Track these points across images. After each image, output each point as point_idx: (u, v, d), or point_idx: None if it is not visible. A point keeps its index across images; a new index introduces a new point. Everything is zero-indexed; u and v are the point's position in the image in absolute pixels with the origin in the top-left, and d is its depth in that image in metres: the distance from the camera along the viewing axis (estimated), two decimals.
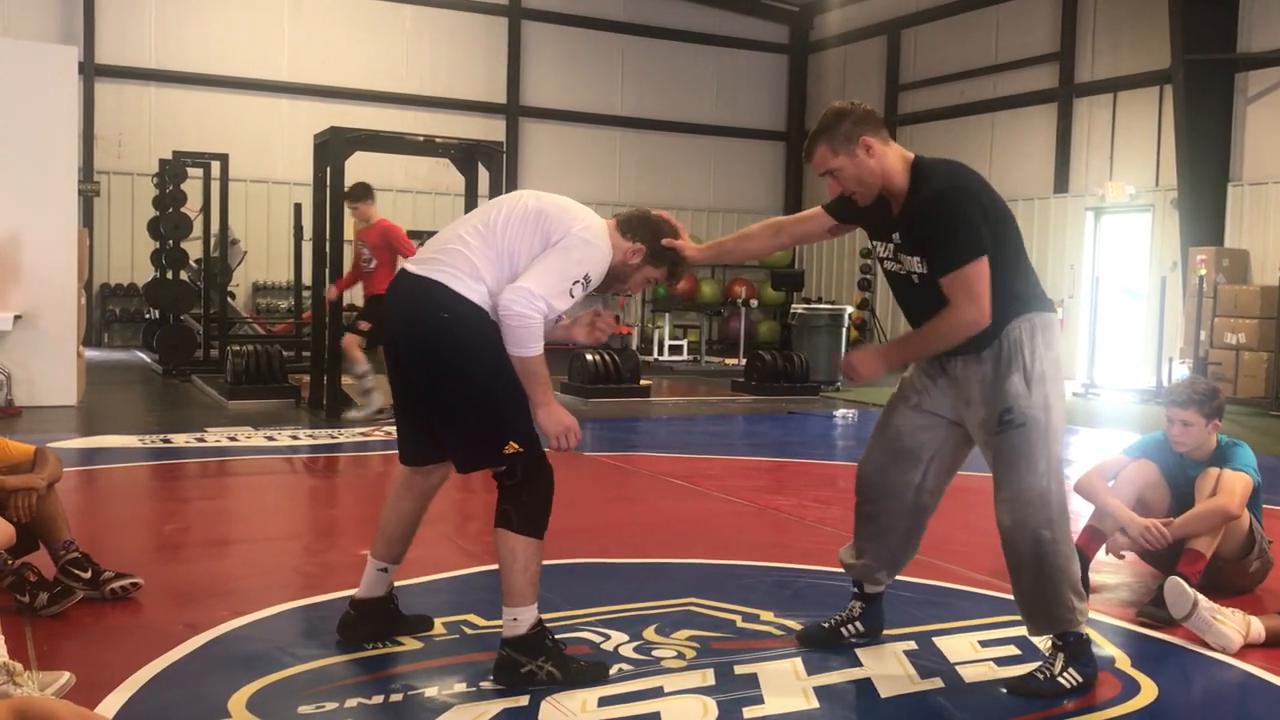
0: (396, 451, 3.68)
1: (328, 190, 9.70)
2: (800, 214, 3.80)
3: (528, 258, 3.26)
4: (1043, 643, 3.54)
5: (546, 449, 3.36)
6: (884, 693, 3.35)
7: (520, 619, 3.28)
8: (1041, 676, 3.37)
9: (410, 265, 3.38)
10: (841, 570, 3.90)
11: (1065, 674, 3.35)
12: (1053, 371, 3.35)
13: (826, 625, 3.75)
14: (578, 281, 3.25)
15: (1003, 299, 3.27)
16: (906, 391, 3.59)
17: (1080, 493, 4.59)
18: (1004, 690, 3.39)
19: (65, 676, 3.09)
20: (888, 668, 3.53)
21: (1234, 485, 4.27)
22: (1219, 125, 14.52)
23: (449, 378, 3.25)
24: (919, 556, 4.89)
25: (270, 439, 8.26)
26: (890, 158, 3.34)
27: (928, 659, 3.61)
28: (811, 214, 3.71)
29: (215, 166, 14.27)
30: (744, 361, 14.93)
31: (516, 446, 3.23)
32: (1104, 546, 4.51)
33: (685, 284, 20.56)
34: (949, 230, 3.23)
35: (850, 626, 3.73)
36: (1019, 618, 4.03)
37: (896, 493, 3.58)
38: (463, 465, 3.41)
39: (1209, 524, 4.23)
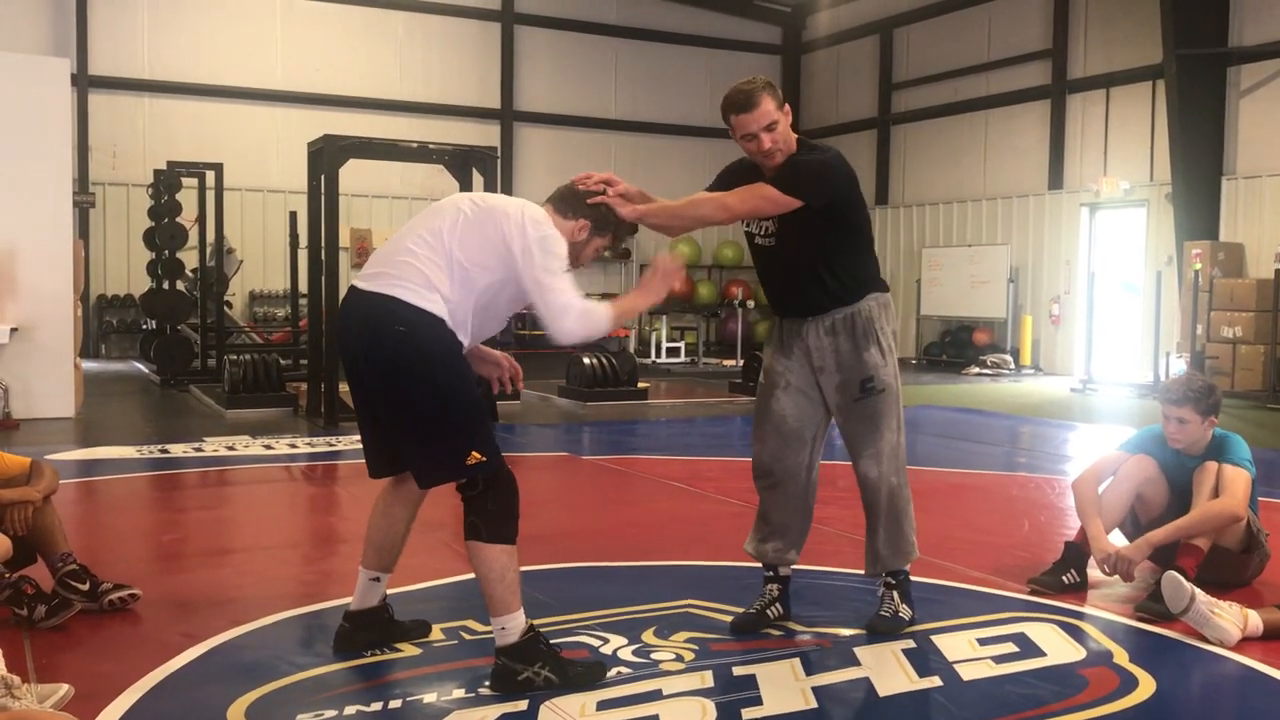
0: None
1: (323, 198, 9.71)
2: (693, 199, 3.83)
3: (496, 258, 3.28)
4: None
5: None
6: (882, 692, 3.35)
7: (508, 627, 3.28)
8: (888, 614, 3.86)
9: (360, 282, 3.36)
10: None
11: (902, 609, 3.87)
12: (894, 344, 3.87)
13: (753, 611, 3.91)
14: (566, 269, 3.35)
15: (860, 276, 3.78)
16: (774, 378, 3.88)
17: (1074, 495, 4.59)
18: (865, 630, 3.82)
19: (64, 689, 3.09)
20: (886, 667, 3.53)
21: (1236, 486, 4.26)
22: (1212, 119, 14.54)
23: (410, 391, 3.24)
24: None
25: (268, 448, 8.26)
26: (791, 130, 3.73)
27: (926, 657, 3.61)
28: (699, 197, 3.84)
29: (210, 176, 14.29)
30: (741, 363, 14.94)
31: (479, 456, 3.22)
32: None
33: (682, 286, 20.56)
34: (807, 172, 3.63)
35: (773, 609, 3.92)
36: (1018, 615, 4.07)
37: (794, 474, 3.87)
38: (424, 479, 3.38)
39: (1214, 525, 4.23)
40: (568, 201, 3.52)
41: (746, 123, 3.63)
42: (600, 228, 3.53)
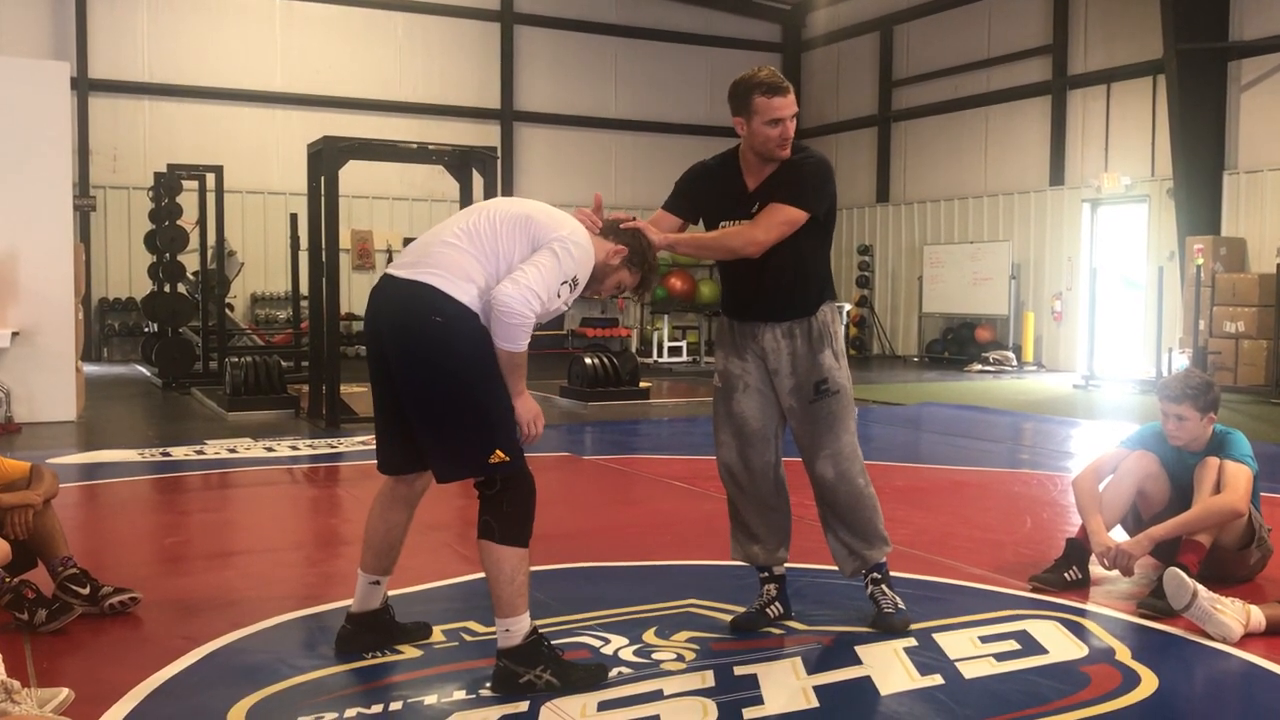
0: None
1: (323, 200, 9.71)
2: (653, 219, 3.86)
3: (519, 261, 3.26)
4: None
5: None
6: (884, 690, 3.34)
7: (513, 629, 3.27)
8: (891, 610, 3.86)
9: (395, 270, 3.34)
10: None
11: (898, 600, 3.89)
12: (844, 349, 3.93)
13: (753, 610, 3.93)
14: (566, 283, 3.27)
15: (822, 283, 3.83)
16: (732, 380, 3.89)
17: (1075, 492, 4.58)
18: (880, 630, 3.80)
19: (64, 693, 3.09)
20: (887, 665, 3.53)
21: (1238, 482, 4.25)
22: (1213, 114, 14.52)
23: (441, 384, 3.21)
24: (917, 551, 4.92)
25: (270, 450, 8.26)
26: None
27: (927, 655, 3.61)
28: (659, 217, 3.87)
29: (210, 178, 14.29)
30: None
31: (503, 455, 3.20)
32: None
33: (683, 285, 20.55)
34: (813, 183, 3.71)
35: (773, 608, 3.93)
36: (1020, 612, 4.06)
37: (762, 473, 3.89)
38: (443, 475, 3.35)
39: (1215, 521, 4.21)
40: (614, 228, 3.53)
41: (782, 106, 3.63)
42: (634, 261, 3.51)
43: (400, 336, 3.26)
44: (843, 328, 3.94)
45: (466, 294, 3.22)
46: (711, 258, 3.78)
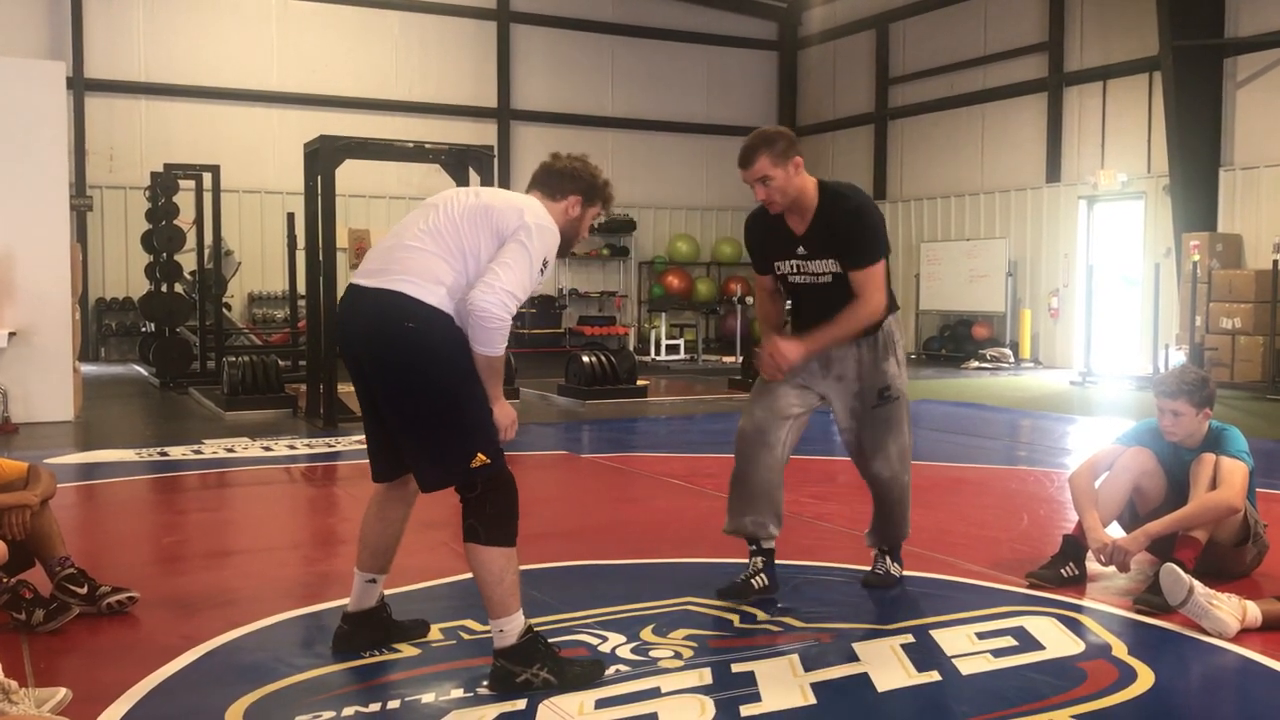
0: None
1: (320, 199, 9.70)
2: (762, 295, 4.35)
3: (486, 255, 3.26)
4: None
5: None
6: (881, 687, 3.34)
7: (506, 629, 3.27)
8: (881, 573, 4.36)
9: (360, 279, 3.33)
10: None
11: (894, 566, 4.38)
12: (905, 357, 4.25)
13: (740, 580, 4.15)
14: (539, 268, 3.30)
15: (888, 303, 4.09)
16: None
17: (1071, 488, 4.58)
18: (862, 584, 4.31)
19: (62, 693, 3.09)
20: (884, 662, 3.53)
21: (1234, 478, 4.25)
22: (1209, 110, 14.53)
23: (419, 390, 3.20)
24: (914, 549, 4.93)
25: (267, 449, 8.26)
26: (806, 178, 4.00)
27: (925, 652, 3.61)
28: (760, 282, 4.32)
29: (207, 178, 14.27)
30: (741, 359, 14.93)
31: (484, 458, 3.20)
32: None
33: (680, 283, 20.55)
34: (870, 234, 4.00)
35: (759, 579, 4.14)
36: (1016, 608, 4.08)
37: (770, 447, 4.14)
38: (427, 484, 3.33)
39: (1211, 517, 4.22)
40: (552, 182, 3.56)
41: (744, 175, 3.97)
42: (589, 196, 3.60)
43: (374, 346, 3.25)
44: (901, 338, 4.27)
45: (435, 296, 3.21)
46: (848, 340, 4.07)
